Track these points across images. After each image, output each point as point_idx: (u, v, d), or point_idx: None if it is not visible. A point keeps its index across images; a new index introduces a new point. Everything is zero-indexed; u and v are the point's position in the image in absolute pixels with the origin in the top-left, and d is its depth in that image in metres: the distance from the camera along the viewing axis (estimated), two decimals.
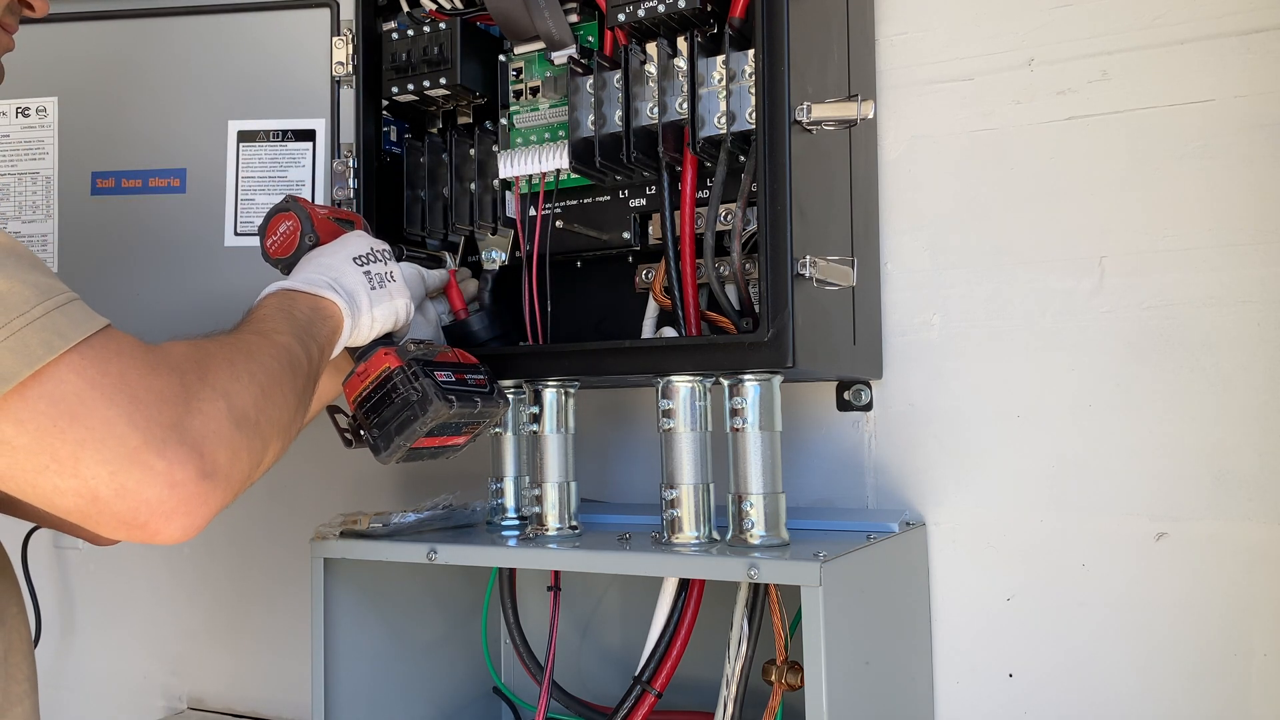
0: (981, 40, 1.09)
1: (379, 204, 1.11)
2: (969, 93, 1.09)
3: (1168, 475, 1.00)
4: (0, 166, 1.16)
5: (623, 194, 1.05)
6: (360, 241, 0.93)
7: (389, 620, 1.11)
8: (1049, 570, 1.05)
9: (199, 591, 1.52)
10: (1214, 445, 0.99)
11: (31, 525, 1.30)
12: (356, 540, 1.01)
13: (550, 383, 1.01)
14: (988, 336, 1.08)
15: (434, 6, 1.09)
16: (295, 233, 0.93)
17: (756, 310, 0.94)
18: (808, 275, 0.88)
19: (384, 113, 1.13)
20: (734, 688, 0.95)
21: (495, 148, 1.08)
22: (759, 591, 0.95)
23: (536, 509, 1.01)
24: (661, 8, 0.94)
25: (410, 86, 1.08)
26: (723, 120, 0.92)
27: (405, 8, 1.12)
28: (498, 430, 1.08)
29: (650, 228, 1.04)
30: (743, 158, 0.94)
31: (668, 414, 0.93)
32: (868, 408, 1.13)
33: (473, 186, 1.09)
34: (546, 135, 1.05)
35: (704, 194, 0.98)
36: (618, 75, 0.97)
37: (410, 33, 1.08)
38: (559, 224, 1.07)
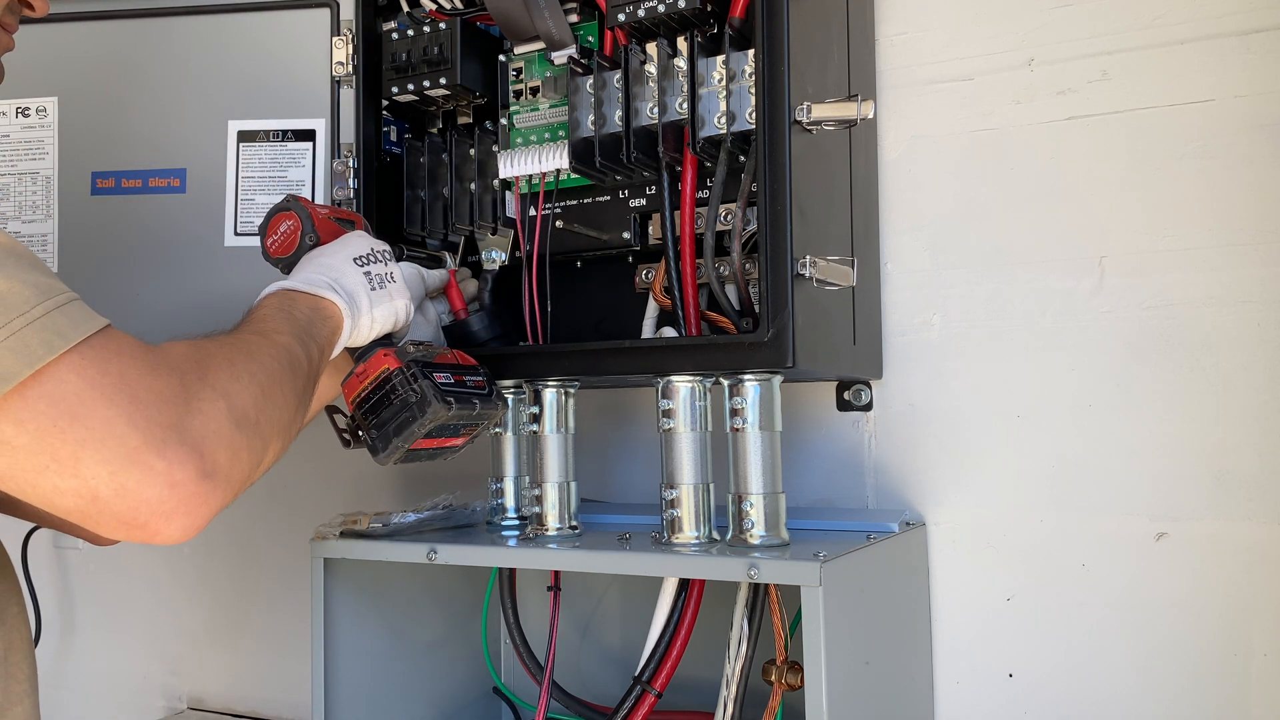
0: (981, 40, 1.09)
1: (379, 204, 1.11)
2: (969, 93, 1.09)
3: (1168, 475, 1.00)
4: (0, 166, 1.16)
5: (623, 194, 1.05)
6: (361, 242, 0.93)
7: (389, 620, 1.11)
8: (1049, 570, 1.05)
9: (199, 591, 1.52)
10: (1214, 445, 0.99)
11: (31, 525, 1.30)
12: (356, 540, 1.01)
13: (550, 383, 1.01)
14: (988, 336, 1.08)
15: (434, 6, 1.09)
16: (296, 232, 0.93)
17: (756, 310, 0.94)
18: (808, 275, 0.88)
19: (384, 113, 1.13)
20: (734, 688, 0.95)
21: (495, 148, 1.07)
22: (759, 591, 0.95)
23: (536, 509, 1.01)
24: (661, 8, 0.94)
25: (410, 86, 1.08)
26: (723, 120, 0.92)
27: (405, 8, 1.12)
28: (498, 430, 1.08)
29: (650, 228, 1.04)
30: (743, 158, 0.94)
31: (668, 414, 0.93)
32: (868, 408, 1.13)
33: (473, 186, 1.09)
34: (546, 135, 1.05)
35: (704, 194, 0.98)
36: (618, 75, 0.97)
37: (410, 33, 1.08)
38: (559, 224, 1.07)
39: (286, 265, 0.93)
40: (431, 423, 0.87)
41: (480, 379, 0.94)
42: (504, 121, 1.07)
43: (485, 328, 1.06)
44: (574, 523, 1.02)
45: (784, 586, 0.92)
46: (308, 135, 1.13)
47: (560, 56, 1.02)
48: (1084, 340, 1.04)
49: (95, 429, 0.61)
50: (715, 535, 0.93)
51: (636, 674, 0.99)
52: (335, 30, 1.12)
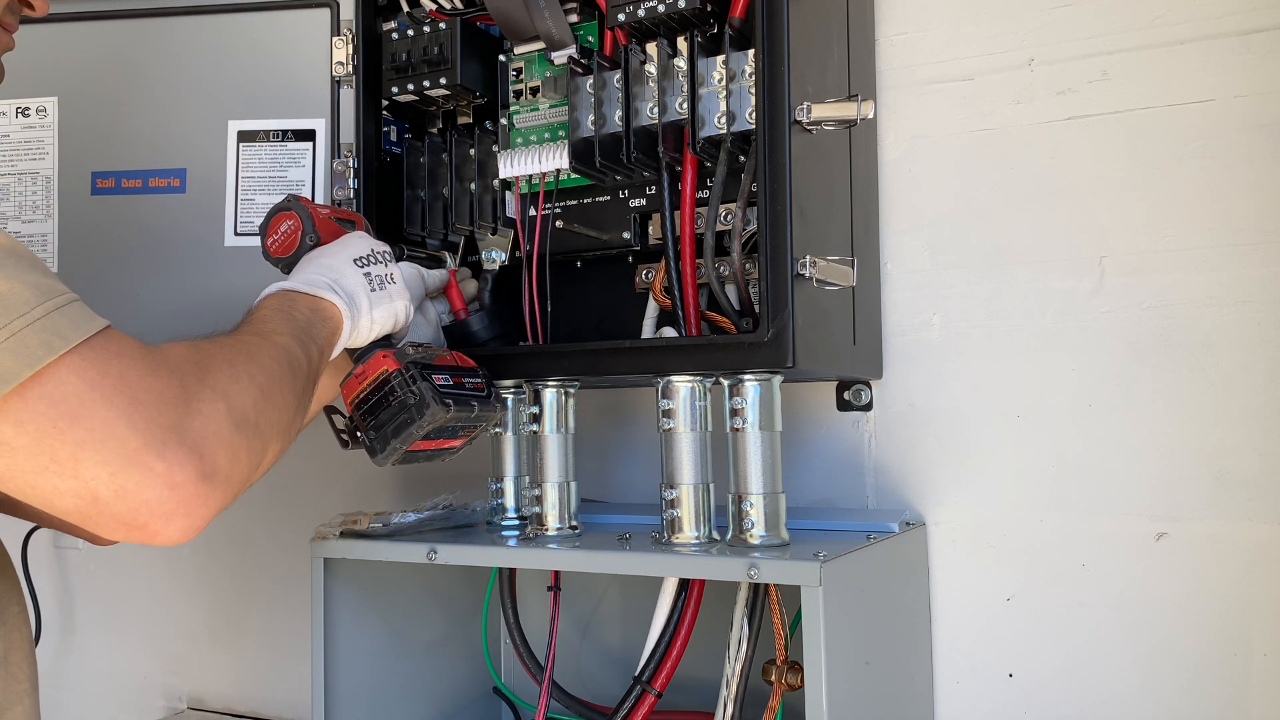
0: (981, 40, 1.09)
1: (379, 204, 1.11)
2: (969, 93, 1.09)
3: (1168, 475, 1.00)
4: (0, 166, 1.16)
5: (623, 194, 1.05)
6: (361, 243, 0.93)
7: (389, 620, 1.11)
8: (1049, 570, 1.05)
9: (199, 591, 1.52)
10: (1214, 445, 0.99)
11: (31, 525, 1.30)
12: (356, 540, 1.01)
13: (550, 383, 1.01)
14: (988, 336, 1.08)
15: (434, 6, 1.09)
16: (296, 232, 0.93)
17: (756, 310, 0.94)
18: (808, 275, 0.88)
19: (384, 113, 1.13)
20: (734, 688, 0.95)
21: (495, 148, 1.07)
22: (759, 591, 0.95)
23: (536, 509, 1.01)
24: (661, 8, 0.94)
25: (410, 86, 1.08)
26: (723, 120, 0.92)
27: (405, 8, 1.12)
28: (498, 430, 1.08)
29: (650, 228, 1.04)
30: (743, 158, 0.94)
31: (668, 414, 0.93)
32: (868, 408, 1.13)
33: (473, 186, 1.09)
34: (546, 135, 1.05)
35: (704, 194, 0.98)
36: (618, 75, 0.97)
37: (410, 33, 1.08)
38: (559, 224, 1.07)
39: (287, 265, 0.93)
40: (430, 425, 0.87)
41: (479, 381, 0.94)
42: (504, 121, 1.07)
43: (485, 328, 1.06)
44: (574, 523, 1.02)
45: (784, 586, 0.92)
46: (308, 135, 1.13)
47: (560, 56, 1.02)
48: (1084, 340, 1.04)
49: (95, 430, 0.61)
50: (715, 535, 0.93)
51: (636, 674, 0.99)
52: (335, 30, 1.12)
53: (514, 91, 1.07)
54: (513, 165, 1.04)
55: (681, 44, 0.95)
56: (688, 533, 0.92)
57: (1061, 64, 1.05)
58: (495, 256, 1.09)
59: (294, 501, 1.41)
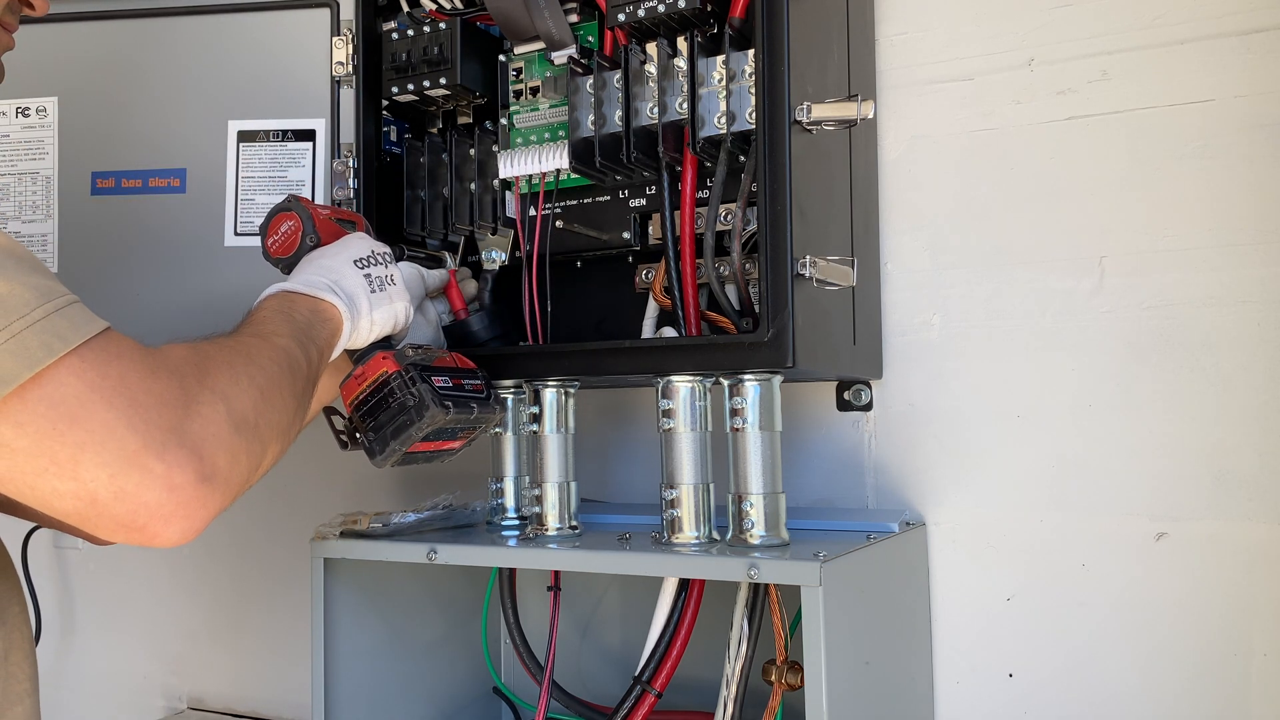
0: (981, 40, 1.09)
1: (379, 204, 1.11)
2: (969, 93, 1.09)
3: (1168, 475, 1.00)
4: (0, 166, 1.16)
5: (623, 194, 1.05)
6: (361, 244, 0.93)
7: (389, 620, 1.11)
8: (1049, 570, 1.05)
9: (199, 591, 1.52)
10: (1214, 445, 0.99)
11: (31, 525, 1.30)
12: (356, 540, 1.01)
13: (550, 383, 1.01)
14: (988, 336, 1.08)
15: (434, 6, 1.09)
16: (296, 233, 0.93)
17: (756, 310, 0.94)
18: (808, 275, 0.88)
19: (384, 113, 1.13)
20: (734, 688, 0.95)
21: (495, 148, 1.07)
22: (759, 591, 0.95)
23: (536, 509, 1.01)
24: (661, 8, 0.94)
25: (410, 86, 1.08)
26: (723, 120, 0.92)
27: (405, 8, 1.12)
28: (498, 430, 1.08)
29: (650, 228, 1.04)
30: (743, 158, 0.94)
31: (668, 414, 0.93)
32: (868, 408, 1.13)
33: (473, 186, 1.09)
34: (546, 135, 1.05)
35: (704, 194, 0.98)
36: (618, 75, 0.97)
37: (410, 33, 1.08)
38: (559, 224, 1.07)
39: (287, 266, 0.93)
40: (429, 426, 0.87)
41: (478, 382, 0.94)
42: (504, 121, 1.07)
43: (485, 328, 1.06)
44: (574, 523, 1.02)
45: (784, 586, 0.92)
46: (308, 135, 1.13)
47: (560, 56, 1.02)
48: (1084, 340, 1.04)
49: (94, 432, 0.61)
50: (715, 535, 0.93)
51: (636, 674, 0.99)
52: (335, 30, 1.12)
53: (514, 91, 1.07)
54: (513, 165, 1.04)
55: (681, 44, 0.95)
56: (688, 533, 0.92)
57: (1061, 64, 1.05)
58: (495, 256, 1.09)
59: (294, 501, 1.41)
